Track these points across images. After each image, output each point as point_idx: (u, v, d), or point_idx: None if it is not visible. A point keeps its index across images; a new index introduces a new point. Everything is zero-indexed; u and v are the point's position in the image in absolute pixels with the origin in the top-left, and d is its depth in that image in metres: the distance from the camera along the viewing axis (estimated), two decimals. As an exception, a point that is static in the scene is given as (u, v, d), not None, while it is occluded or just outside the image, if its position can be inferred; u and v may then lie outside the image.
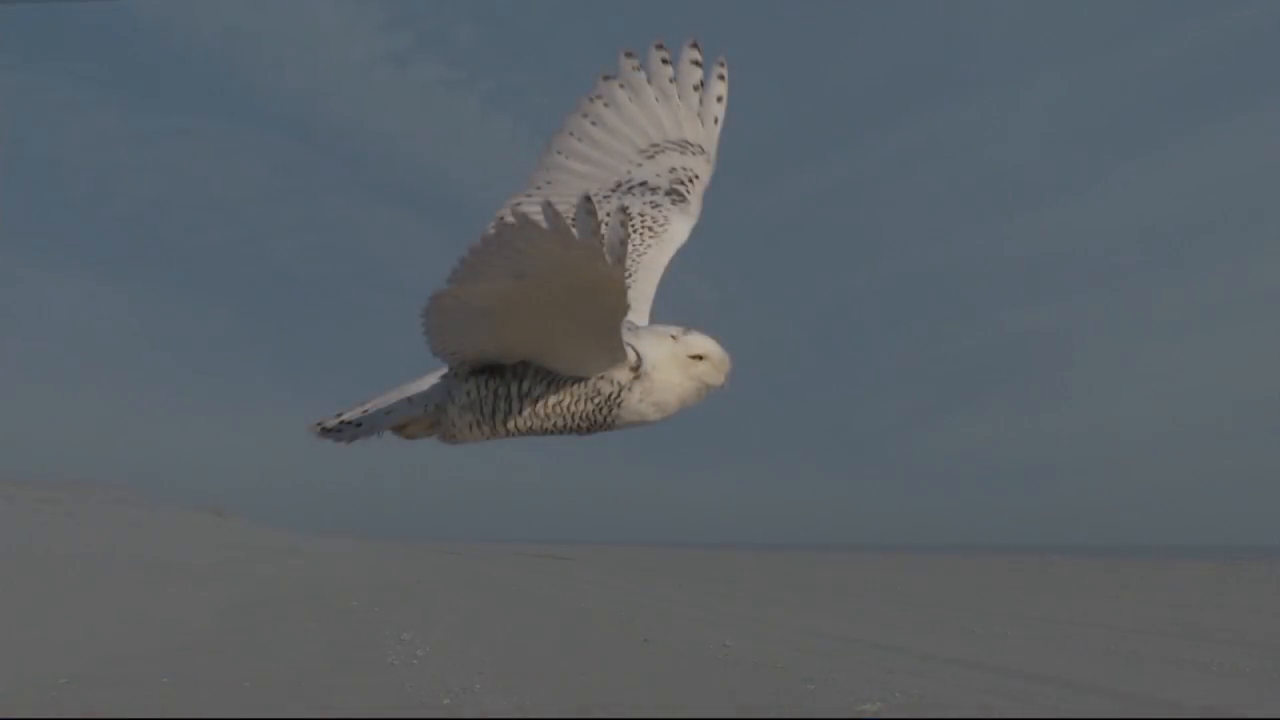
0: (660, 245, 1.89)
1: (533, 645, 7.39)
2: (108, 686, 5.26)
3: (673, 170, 1.98)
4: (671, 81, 2.03)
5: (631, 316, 1.69)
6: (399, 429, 1.70)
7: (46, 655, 6.10)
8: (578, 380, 1.59)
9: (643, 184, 1.96)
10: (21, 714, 4.62)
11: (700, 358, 1.66)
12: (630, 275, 1.79)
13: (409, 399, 1.68)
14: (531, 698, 5.23)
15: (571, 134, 2.00)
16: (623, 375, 1.60)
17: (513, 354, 1.60)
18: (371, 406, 1.71)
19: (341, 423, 1.70)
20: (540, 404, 1.59)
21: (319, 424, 1.71)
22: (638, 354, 1.61)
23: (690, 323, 1.71)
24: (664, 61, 2.02)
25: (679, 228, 1.92)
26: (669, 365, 1.64)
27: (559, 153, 1.99)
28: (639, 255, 1.85)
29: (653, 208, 1.93)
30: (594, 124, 2.00)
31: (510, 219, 1.27)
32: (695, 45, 2.03)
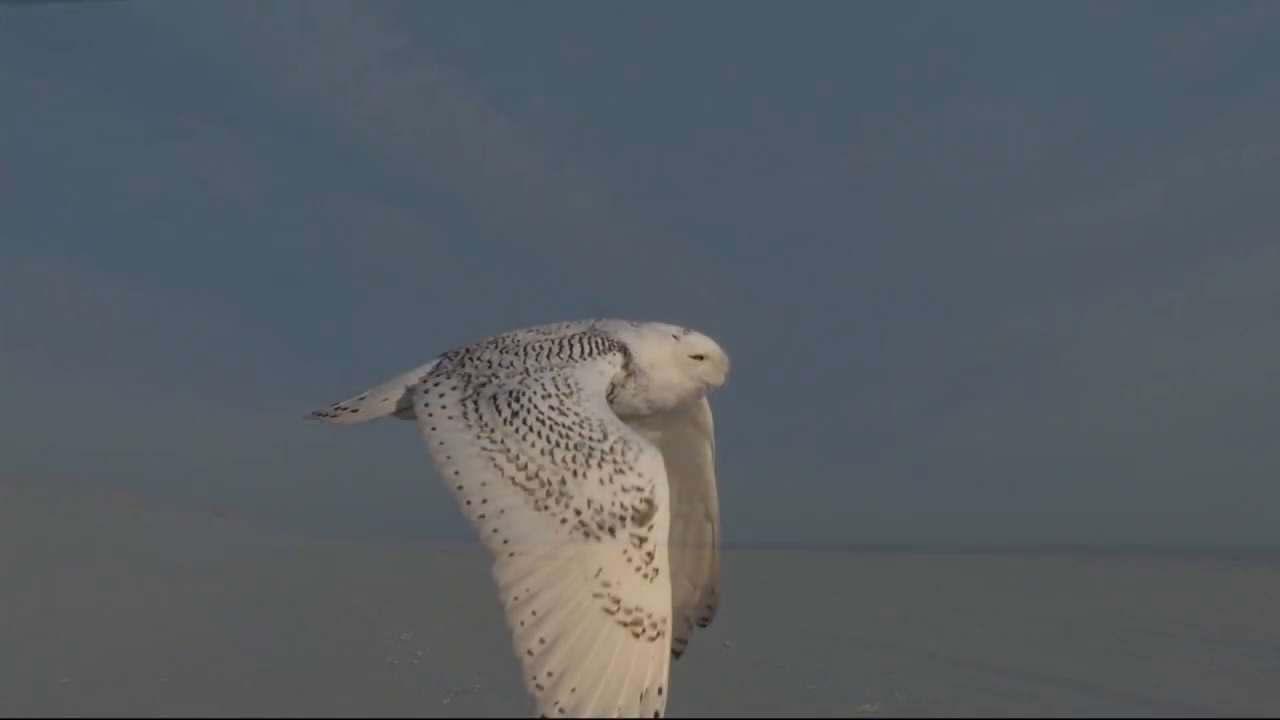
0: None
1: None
2: (108, 686, 5.26)
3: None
4: None
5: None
6: (395, 415, 1.71)
7: (46, 655, 6.11)
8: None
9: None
10: (21, 714, 4.62)
11: (701, 358, 1.68)
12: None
13: (407, 388, 1.68)
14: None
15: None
16: (615, 373, 1.62)
17: None
18: (369, 395, 1.72)
19: (337, 409, 1.71)
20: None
21: (315, 412, 1.72)
22: (629, 351, 1.63)
23: (690, 323, 1.73)
24: None
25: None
26: (669, 364, 1.67)
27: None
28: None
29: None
30: None
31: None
32: None
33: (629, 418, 1.66)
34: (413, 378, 1.69)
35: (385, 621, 8.70)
